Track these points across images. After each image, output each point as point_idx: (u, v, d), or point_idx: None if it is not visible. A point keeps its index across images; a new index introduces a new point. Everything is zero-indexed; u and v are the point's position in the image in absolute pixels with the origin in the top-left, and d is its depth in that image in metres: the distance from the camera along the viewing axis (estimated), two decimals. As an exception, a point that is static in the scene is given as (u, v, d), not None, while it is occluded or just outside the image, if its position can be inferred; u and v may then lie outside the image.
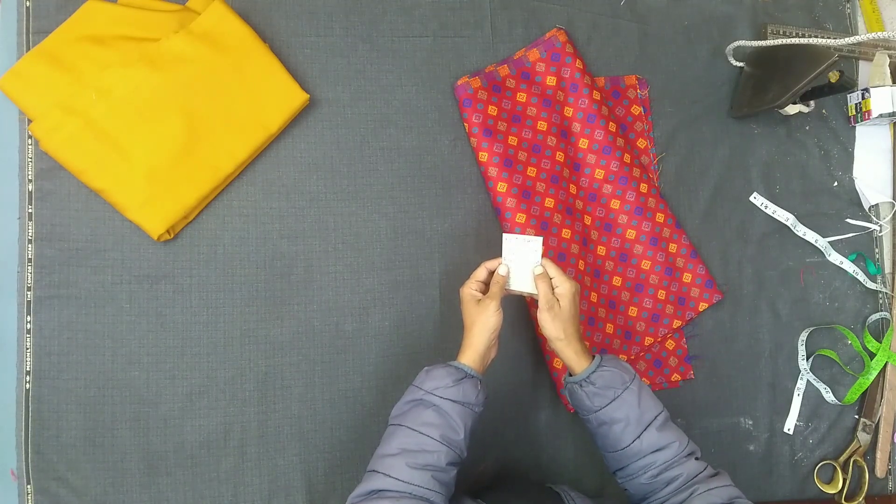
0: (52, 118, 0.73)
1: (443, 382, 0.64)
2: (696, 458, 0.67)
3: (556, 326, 0.69)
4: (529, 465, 0.85)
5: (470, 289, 0.72)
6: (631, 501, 0.69)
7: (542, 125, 0.87)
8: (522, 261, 0.73)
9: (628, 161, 0.88)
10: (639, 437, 0.65)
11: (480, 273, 0.73)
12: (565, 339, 0.69)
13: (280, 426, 0.80)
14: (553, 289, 0.71)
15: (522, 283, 0.73)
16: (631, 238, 0.88)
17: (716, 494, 0.62)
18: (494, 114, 0.85)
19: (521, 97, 0.87)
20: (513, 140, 0.86)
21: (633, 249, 0.89)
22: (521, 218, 0.83)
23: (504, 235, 0.74)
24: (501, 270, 0.73)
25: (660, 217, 0.89)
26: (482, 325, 0.69)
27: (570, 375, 0.70)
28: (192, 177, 0.76)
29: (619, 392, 0.66)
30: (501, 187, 0.84)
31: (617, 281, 0.89)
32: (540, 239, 0.72)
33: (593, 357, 0.69)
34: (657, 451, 0.65)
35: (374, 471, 0.61)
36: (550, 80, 0.88)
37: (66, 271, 0.77)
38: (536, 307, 0.71)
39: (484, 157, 0.84)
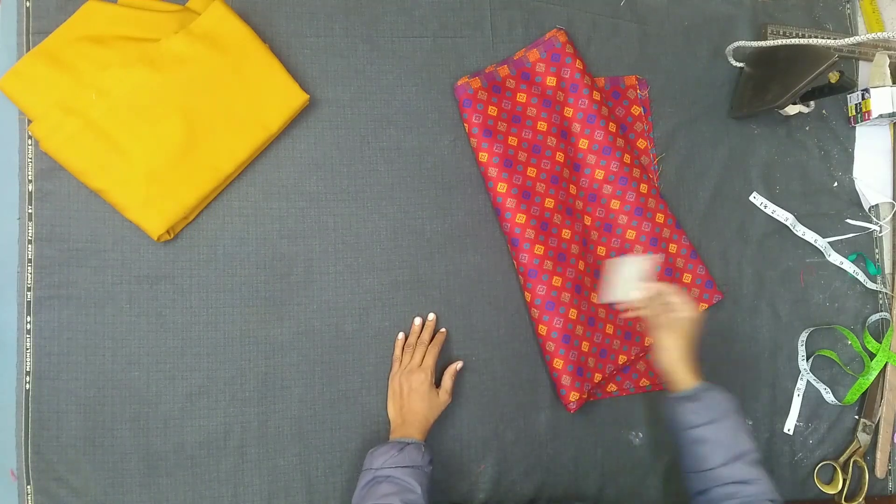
0: (52, 118, 0.73)
1: (388, 455, 0.69)
2: None
3: (677, 345, 0.73)
4: (529, 466, 0.85)
5: (428, 379, 0.77)
6: None
7: (542, 125, 0.87)
8: (630, 273, 0.78)
9: (628, 161, 0.88)
10: (727, 463, 0.67)
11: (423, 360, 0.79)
12: (680, 359, 0.73)
13: (280, 426, 0.80)
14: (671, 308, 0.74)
15: (625, 294, 0.78)
16: (631, 238, 0.88)
17: None
18: (494, 114, 0.85)
19: (521, 97, 0.87)
20: (513, 140, 0.86)
21: (632, 250, 0.89)
22: (521, 218, 0.83)
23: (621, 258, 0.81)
24: (458, 365, 0.82)
25: (660, 217, 0.89)
26: (437, 410, 0.78)
27: (673, 392, 0.74)
28: (192, 177, 0.76)
29: (721, 415, 0.69)
30: (501, 187, 0.84)
31: None
32: (655, 257, 0.84)
33: (700, 380, 0.73)
34: (742, 483, 0.66)
35: None
36: (550, 81, 0.88)
37: (66, 272, 0.77)
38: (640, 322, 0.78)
39: (484, 157, 0.84)
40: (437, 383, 0.79)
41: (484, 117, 0.84)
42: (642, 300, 0.76)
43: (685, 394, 0.72)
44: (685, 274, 0.90)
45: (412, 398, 0.77)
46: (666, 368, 0.74)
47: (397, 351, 0.82)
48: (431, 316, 0.84)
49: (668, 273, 0.89)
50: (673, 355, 0.73)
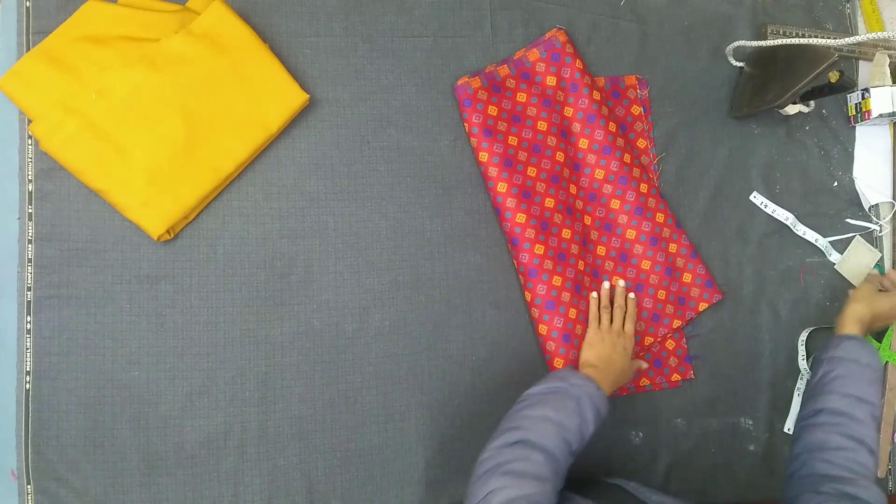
0: (52, 118, 0.73)
1: (588, 384, 0.70)
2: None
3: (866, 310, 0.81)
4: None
5: (632, 347, 0.84)
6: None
7: (542, 125, 0.87)
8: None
9: (628, 161, 0.88)
10: (856, 400, 0.72)
11: None
12: (860, 312, 0.81)
13: (280, 426, 0.80)
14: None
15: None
16: (631, 238, 0.88)
17: None
18: (494, 114, 0.85)
19: (521, 97, 0.87)
20: (513, 140, 0.86)
21: (633, 249, 0.89)
22: (521, 218, 0.83)
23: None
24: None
25: (660, 217, 0.89)
26: (627, 378, 0.81)
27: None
28: (192, 177, 0.76)
29: (866, 364, 0.74)
30: (501, 187, 0.84)
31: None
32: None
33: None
34: (857, 422, 0.70)
35: (516, 427, 0.64)
36: (550, 80, 0.88)
37: (66, 271, 0.77)
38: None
39: (484, 157, 0.84)
40: None
41: (484, 117, 0.84)
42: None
43: (847, 334, 0.78)
44: (685, 273, 0.90)
45: (616, 359, 0.79)
46: (845, 314, 0.81)
47: (593, 308, 0.85)
48: (622, 282, 0.87)
49: (669, 273, 0.89)
50: (861, 309, 0.80)
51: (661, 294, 0.89)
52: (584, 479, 0.82)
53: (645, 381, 0.88)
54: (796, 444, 0.73)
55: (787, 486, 0.71)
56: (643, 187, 0.88)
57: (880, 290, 0.86)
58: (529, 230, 0.83)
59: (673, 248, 0.90)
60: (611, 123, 0.88)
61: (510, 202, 0.84)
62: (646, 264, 0.89)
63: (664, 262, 0.89)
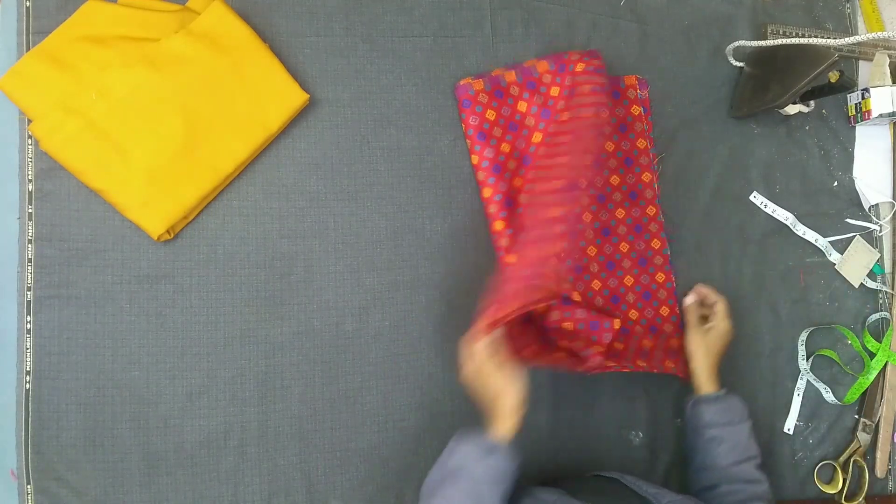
0: (52, 118, 0.73)
1: (473, 455, 0.65)
2: None
3: (709, 351, 0.83)
4: (529, 464, 0.85)
5: (486, 355, 0.68)
6: None
7: (536, 136, 0.86)
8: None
9: (615, 183, 0.89)
10: (739, 463, 0.75)
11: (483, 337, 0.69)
12: (709, 364, 0.82)
13: (280, 426, 0.80)
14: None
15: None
16: (623, 251, 0.90)
17: None
18: (492, 118, 0.85)
19: (522, 106, 0.87)
20: (505, 147, 0.85)
21: (620, 265, 0.90)
22: (498, 225, 0.83)
23: None
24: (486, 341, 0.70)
25: (655, 243, 0.91)
26: (519, 390, 0.68)
27: (697, 394, 0.81)
28: (192, 177, 0.76)
29: (739, 419, 0.78)
30: (486, 192, 0.84)
31: (600, 302, 0.88)
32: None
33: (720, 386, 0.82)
34: (749, 482, 0.74)
35: None
36: (554, 91, 0.87)
37: (66, 271, 0.77)
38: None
39: (475, 159, 0.85)
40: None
41: (481, 120, 0.84)
42: (692, 301, 0.87)
43: (711, 396, 0.80)
44: (663, 306, 0.90)
45: (486, 381, 0.69)
46: (695, 371, 0.82)
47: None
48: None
49: (647, 297, 0.90)
50: (704, 360, 0.82)
51: (645, 312, 0.90)
52: (579, 475, 0.82)
53: (642, 363, 0.86)
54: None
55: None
56: (620, 213, 0.90)
57: (703, 318, 0.87)
58: (504, 239, 0.83)
59: (660, 277, 0.90)
60: (609, 142, 0.88)
61: (492, 208, 0.84)
62: (629, 280, 0.90)
63: (647, 285, 0.90)
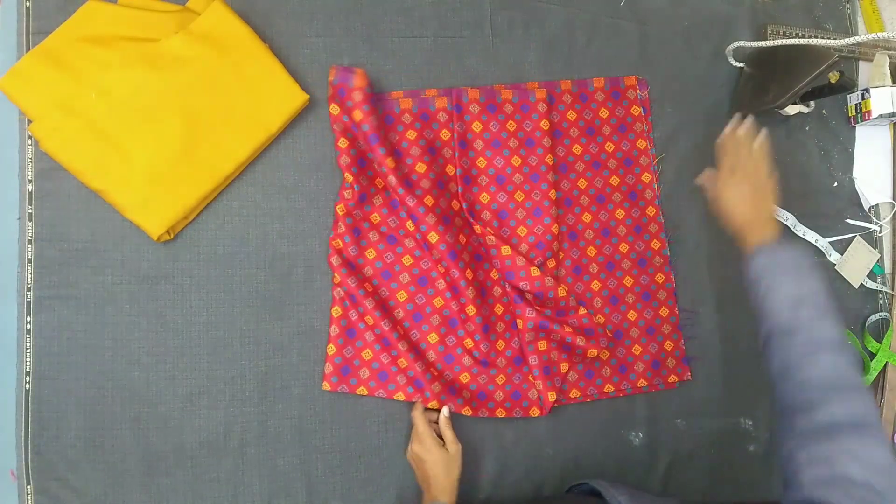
0: (52, 118, 0.73)
1: None
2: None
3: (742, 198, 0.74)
4: (529, 466, 0.85)
5: (427, 442, 0.75)
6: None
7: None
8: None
9: (615, 183, 0.90)
10: (783, 310, 0.66)
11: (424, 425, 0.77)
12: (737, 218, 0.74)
13: (280, 426, 0.80)
14: None
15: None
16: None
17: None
18: (412, 138, 0.83)
19: (444, 134, 0.86)
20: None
21: (621, 263, 0.89)
22: (337, 243, 0.81)
23: None
24: (445, 412, 0.79)
25: (655, 244, 0.90)
26: (453, 463, 0.75)
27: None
28: (192, 177, 0.76)
29: (780, 264, 0.68)
30: (340, 209, 0.82)
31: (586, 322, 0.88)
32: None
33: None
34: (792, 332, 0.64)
35: None
36: (476, 126, 0.86)
37: (66, 271, 0.77)
38: None
39: (345, 161, 0.81)
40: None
41: (400, 139, 0.83)
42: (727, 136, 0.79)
43: (754, 249, 0.71)
44: (662, 307, 0.90)
45: (422, 466, 0.75)
46: (736, 234, 0.75)
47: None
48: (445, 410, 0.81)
49: (646, 297, 0.90)
50: (734, 219, 0.74)
51: (637, 350, 0.89)
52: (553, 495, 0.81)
53: (642, 383, 0.88)
54: (768, 371, 0.67)
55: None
56: (635, 211, 0.90)
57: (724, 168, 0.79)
58: (340, 224, 0.82)
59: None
60: (552, 190, 0.87)
61: (339, 228, 0.82)
62: (628, 280, 0.89)
63: (647, 284, 0.90)
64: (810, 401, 0.60)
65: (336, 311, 0.81)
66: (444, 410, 0.79)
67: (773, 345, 0.65)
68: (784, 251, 0.69)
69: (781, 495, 0.58)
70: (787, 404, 0.62)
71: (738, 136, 0.79)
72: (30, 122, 0.75)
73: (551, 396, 0.83)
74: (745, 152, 0.77)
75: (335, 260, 0.80)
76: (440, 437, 0.77)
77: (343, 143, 0.81)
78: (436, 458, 0.75)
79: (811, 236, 0.94)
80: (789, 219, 0.94)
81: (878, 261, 0.97)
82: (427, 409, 0.80)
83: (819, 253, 0.95)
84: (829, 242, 0.95)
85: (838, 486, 0.53)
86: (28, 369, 0.76)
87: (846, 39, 0.78)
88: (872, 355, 0.94)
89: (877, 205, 0.98)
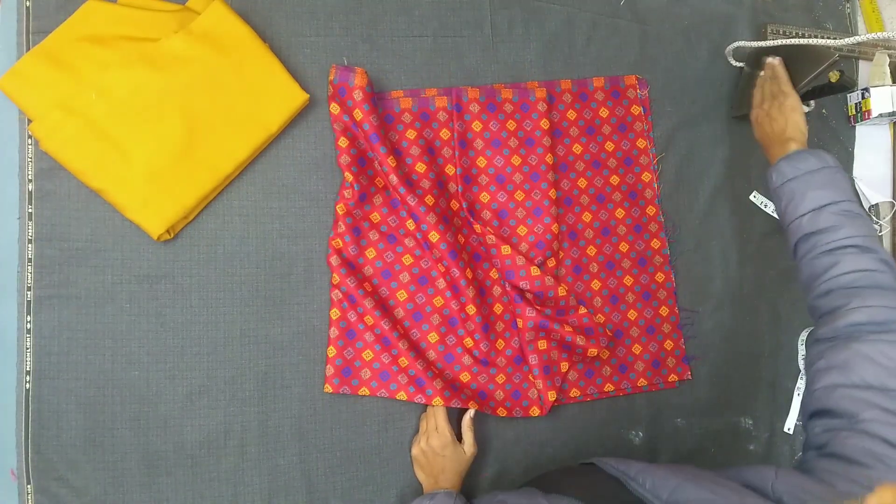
0: (52, 118, 0.73)
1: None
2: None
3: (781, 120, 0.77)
4: (529, 465, 0.85)
5: (448, 438, 0.77)
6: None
7: (420, 167, 0.83)
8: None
9: (615, 183, 0.89)
10: (812, 211, 0.67)
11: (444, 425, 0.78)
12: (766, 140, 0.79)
13: (280, 426, 0.80)
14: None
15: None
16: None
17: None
18: (412, 137, 0.84)
19: (445, 133, 0.86)
20: (420, 167, 0.83)
21: (621, 262, 0.89)
22: (337, 243, 0.81)
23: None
24: (470, 414, 0.80)
25: (655, 243, 0.90)
26: (465, 464, 0.77)
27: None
28: (192, 177, 0.76)
29: (812, 169, 0.69)
30: (340, 209, 0.82)
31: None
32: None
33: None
34: (824, 231, 0.66)
35: None
36: (476, 126, 0.86)
37: (66, 271, 0.77)
38: None
39: (345, 160, 0.81)
40: (459, 439, 0.79)
41: (399, 137, 0.84)
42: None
43: (777, 161, 0.73)
44: (662, 306, 0.90)
45: (437, 461, 0.76)
46: (765, 143, 0.79)
47: (421, 424, 0.81)
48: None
49: (646, 297, 0.90)
50: (764, 142, 0.78)
51: (637, 349, 0.89)
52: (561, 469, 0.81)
53: (642, 382, 0.88)
54: (800, 284, 0.70)
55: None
56: (635, 210, 0.90)
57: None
58: (341, 225, 0.82)
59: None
60: (552, 190, 0.87)
61: (340, 228, 0.82)
62: (628, 280, 0.89)
63: (647, 284, 0.90)
64: (834, 308, 0.61)
65: (335, 312, 0.81)
66: (470, 412, 0.80)
67: (799, 254, 0.68)
68: (805, 159, 0.70)
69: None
70: (817, 314, 0.64)
71: (763, 76, 0.84)
72: (30, 121, 0.75)
73: (551, 396, 0.83)
74: (768, 84, 0.82)
75: (335, 260, 0.80)
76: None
77: (343, 142, 0.81)
78: (453, 455, 0.76)
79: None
80: (769, 206, 0.94)
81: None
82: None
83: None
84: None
85: (851, 395, 0.54)
86: (28, 369, 0.76)
87: (846, 39, 0.78)
88: (872, 355, 0.94)
89: (877, 204, 0.98)
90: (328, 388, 0.80)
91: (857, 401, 0.53)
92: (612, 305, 0.89)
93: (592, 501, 0.52)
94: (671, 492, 0.50)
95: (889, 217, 0.97)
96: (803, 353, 0.93)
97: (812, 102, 0.94)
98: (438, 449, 0.76)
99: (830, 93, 0.88)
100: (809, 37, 0.88)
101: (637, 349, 0.89)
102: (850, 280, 0.61)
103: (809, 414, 0.58)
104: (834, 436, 0.53)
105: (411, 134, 0.84)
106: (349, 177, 0.81)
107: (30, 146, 0.77)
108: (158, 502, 0.76)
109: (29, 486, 0.74)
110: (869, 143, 0.99)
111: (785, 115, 0.78)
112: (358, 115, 0.79)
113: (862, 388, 0.54)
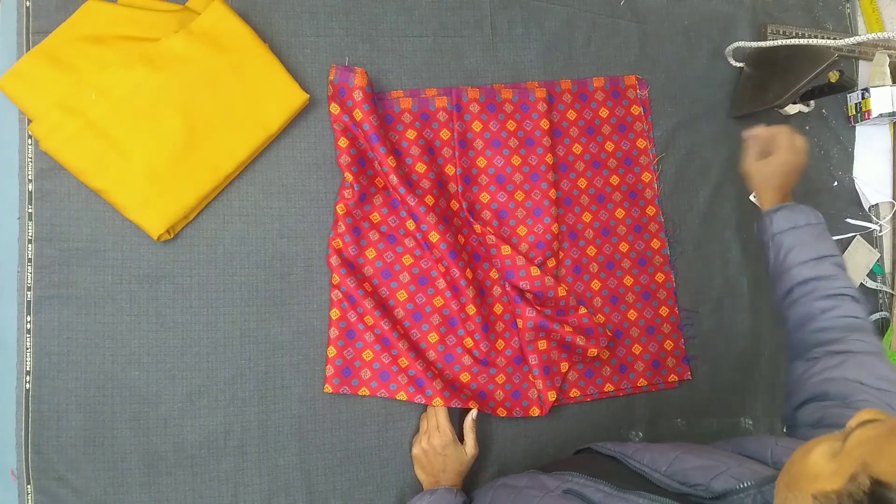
0: (52, 118, 0.73)
1: (421, 500, 0.71)
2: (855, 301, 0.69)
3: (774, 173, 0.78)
4: (529, 465, 0.85)
5: (449, 437, 0.77)
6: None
7: (420, 167, 0.83)
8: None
9: (615, 183, 0.89)
10: (807, 262, 0.71)
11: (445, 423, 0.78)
12: (766, 191, 0.79)
13: (280, 426, 0.80)
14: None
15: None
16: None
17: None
18: (412, 138, 0.84)
19: (445, 134, 0.86)
20: (420, 167, 0.83)
21: (621, 263, 0.89)
22: (337, 243, 0.81)
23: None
24: (473, 415, 0.80)
25: (655, 243, 0.90)
26: (466, 465, 0.77)
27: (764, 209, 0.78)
28: (192, 177, 0.76)
29: (803, 223, 0.74)
30: (340, 209, 0.82)
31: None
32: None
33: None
34: (820, 279, 0.70)
35: None
36: (476, 126, 0.86)
37: (66, 271, 0.77)
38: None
39: (345, 160, 0.81)
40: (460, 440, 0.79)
41: (398, 139, 0.84)
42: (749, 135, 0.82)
43: (773, 207, 0.76)
44: (662, 306, 0.90)
45: (438, 460, 0.77)
46: (760, 199, 0.81)
47: (422, 423, 0.81)
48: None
49: (646, 297, 0.90)
50: (762, 190, 0.79)
51: (637, 349, 0.89)
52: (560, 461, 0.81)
53: (642, 382, 0.88)
54: (787, 324, 0.74)
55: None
56: (635, 210, 0.90)
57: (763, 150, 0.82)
58: (341, 224, 0.82)
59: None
60: (553, 190, 0.87)
61: (340, 227, 0.82)
62: (628, 280, 0.89)
63: (647, 284, 0.90)
64: (830, 339, 0.66)
65: (335, 313, 0.81)
66: (473, 413, 0.80)
67: (795, 296, 0.71)
68: (805, 213, 0.75)
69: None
70: (805, 348, 0.68)
71: (775, 130, 0.81)
72: (30, 121, 0.75)
73: (551, 396, 0.83)
74: (785, 143, 0.79)
75: (334, 260, 0.80)
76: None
77: (343, 142, 0.81)
78: (454, 454, 0.76)
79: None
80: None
81: (877, 260, 0.97)
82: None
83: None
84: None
85: (845, 384, 0.59)
86: (28, 369, 0.76)
87: (846, 39, 0.78)
88: (872, 355, 0.94)
89: (877, 204, 0.98)
90: (328, 388, 0.80)
91: (851, 389, 0.58)
92: (612, 305, 0.89)
93: (593, 475, 0.53)
94: (670, 463, 0.52)
95: (889, 216, 0.97)
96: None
97: (812, 102, 0.94)
98: (440, 448, 0.76)
99: (830, 93, 0.88)
100: (809, 37, 0.88)
101: (637, 349, 0.89)
102: (848, 322, 0.67)
103: (798, 404, 0.63)
104: (827, 412, 0.58)
105: (411, 134, 0.84)
106: (349, 177, 0.81)
107: (30, 146, 0.77)
108: (158, 502, 0.76)
109: (29, 486, 0.74)
110: (869, 143, 0.99)
111: (796, 175, 0.80)
112: (358, 115, 0.79)
113: (855, 383, 0.59)
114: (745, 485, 0.45)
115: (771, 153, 0.79)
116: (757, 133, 0.81)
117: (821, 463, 0.34)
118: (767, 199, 0.79)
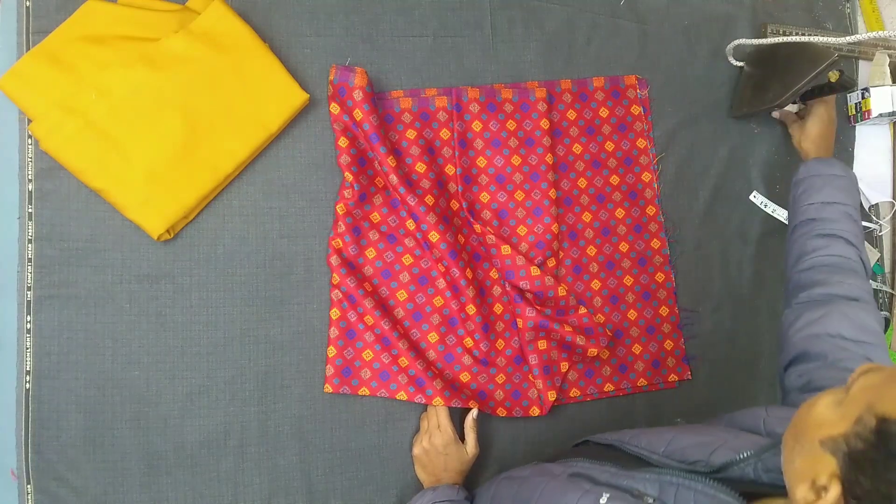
0: (52, 118, 0.73)
1: (423, 497, 0.73)
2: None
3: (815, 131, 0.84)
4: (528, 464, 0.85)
5: (450, 436, 0.77)
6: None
7: (420, 167, 0.83)
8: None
9: (615, 183, 0.89)
10: (814, 204, 0.74)
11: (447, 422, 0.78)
12: (808, 144, 0.84)
13: (280, 426, 0.80)
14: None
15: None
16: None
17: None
18: (412, 137, 0.84)
19: (445, 133, 0.86)
20: (420, 167, 0.83)
21: (621, 262, 0.89)
22: (337, 243, 0.81)
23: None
24: (473, 415, 0.80)
25: (655, 243, 0.90)
26: (467, 464, 0.77)
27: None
28: (192, 176, 0.76)
29: (824, 172, 0.76)
30: (340, 209, 0.81)
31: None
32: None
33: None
34: (825, 221, 0.72)
35: None
36: (476, 126, 0.86)
37: (66, 271, 0.77)
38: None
39: (345, 160, 0.81)
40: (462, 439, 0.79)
41: (400, 138, 0.84)
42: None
43: (809, 160, 0.80)
44: (662, 306, 0.90)
45: (439, 459, 0.77)
46: (811, 153, 0.83)
47: (422, 423, 0.81)
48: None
49: (646, 297, 0.89)
50: (806, 146, 0.84)
51: (637, 349, 0.89)
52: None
53: (642, 382, 0.88)
54: (785, 264, 0.76)
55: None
56: (635, 210, 0.90)
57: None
58: (341, 224, 0.82)
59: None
60: (552, 190, 0.87)
61: (340, 226, 0.82)
62: (628, 280, 0.89)
63: (647, 284, 0.89)
64: (814, 280, 0.68)
65: (335, 313, 0.81)
66: (473, 412, 0.80)
67: (795, 234, 0.75)
68: (833, 165, 0.77)
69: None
70: (793, 290, 0.70)
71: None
72: (30, 121, 0.75)
73: (551, 396, 0.83)
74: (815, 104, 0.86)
75: (334, 260, 0.80)
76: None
77: (343, 142, 0.81)
78: (455, 453, 0.76)
79: (781, 213, 0.95)
80: (769, 206, 0.94)
81: (877, 260, 0.97)
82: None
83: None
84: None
85: (827, 341, 0.61)
86: (28, 369, 0.76)
87: (846, 38, 0.78)
88: (872, 355, 0.94)
89: (877, 204, 0.98)
90: (328, 388, 0.80)
91: (832, 346, 0.60)
92: (612, 305, 0.89)
93: (595, 458, 0.55)
94: (667, 444, 0.53)
95: (889, 216, 0.97)
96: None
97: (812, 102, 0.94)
98: (441, 447, 0.76)
99: (830, 93, 0.88)
100: (809, 36, 0.88)
101: (637, 349, 0.89)
102: (834, 261, 0.69)
103: (786, 364, 0.64)
104: (812, 375, 0.60)
105: (411, 134, 0.84)
106: (349, 177, 0.81)
107: (30, 146, 0.77)
108: (158, 502, 0.76)
109: (29, 486, 0.74)
110: (869, 143, 0.99)
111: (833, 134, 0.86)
112: (358, 115, 0.79)
113: (836, 338, 0.61)
114: (745, 455, 0.46)
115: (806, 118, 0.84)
116: (787, 110, 0.87)
117: (826, 412, 0.37)
118: (809, 151, 0.83)
